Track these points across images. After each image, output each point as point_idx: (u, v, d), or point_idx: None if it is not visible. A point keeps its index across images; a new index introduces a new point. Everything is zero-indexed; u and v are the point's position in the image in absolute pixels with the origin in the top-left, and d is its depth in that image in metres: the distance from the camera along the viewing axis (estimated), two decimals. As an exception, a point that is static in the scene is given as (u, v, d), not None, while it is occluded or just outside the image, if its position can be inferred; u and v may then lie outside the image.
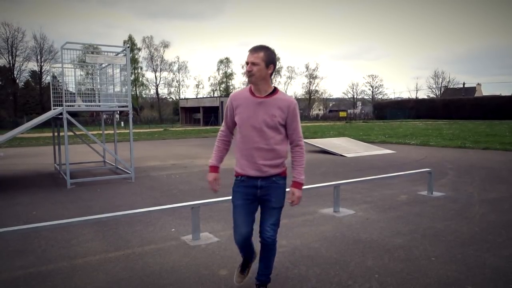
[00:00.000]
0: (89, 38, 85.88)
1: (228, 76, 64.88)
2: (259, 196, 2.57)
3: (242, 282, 2.78)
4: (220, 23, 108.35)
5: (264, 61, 2.36)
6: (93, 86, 9.52)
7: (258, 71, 2.36)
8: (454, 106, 42.94)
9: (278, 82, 65.44)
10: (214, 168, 2.72)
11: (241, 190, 2.63)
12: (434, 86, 70.19)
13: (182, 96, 61.21)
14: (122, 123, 29.22)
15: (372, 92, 73.70)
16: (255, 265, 2.85)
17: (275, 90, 2.46)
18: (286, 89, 66.61)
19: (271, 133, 2.42)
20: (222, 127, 2.68)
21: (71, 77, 8.63)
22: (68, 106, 7.21)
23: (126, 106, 7.86)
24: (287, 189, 2.54)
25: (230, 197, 2.86)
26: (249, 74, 2.38)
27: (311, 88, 67.52)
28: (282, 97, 2.44)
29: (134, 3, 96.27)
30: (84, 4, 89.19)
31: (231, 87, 63.83)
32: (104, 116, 11.03)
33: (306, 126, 30.66)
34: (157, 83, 60.54)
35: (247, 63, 2.41)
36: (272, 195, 2.53)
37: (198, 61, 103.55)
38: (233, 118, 2.53)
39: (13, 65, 47.84)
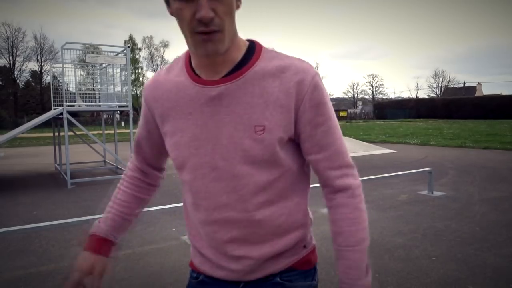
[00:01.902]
0: (88, 38, 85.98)
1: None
2: None
3: None
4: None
5: None
6: (93, 86, 9.52)
7: (227, 14, 0.81)
8: (454, 106, 42.92)
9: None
10: (96, 241, 1.13)
11: None
12: (435, 85, 70.26)
13: (182, 96, 61.02)
14: (123, 123, 29.22)
15: (373, 91, 73.71)
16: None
17: (253, 49, 0.91)
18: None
19: (261, 174, 0.90)
20: (130, 160, 1.21)
21: (71, 77, 8.64)
22: (69, 106, 7.22)
23: (127, 106, 7.86)
24: None
25: None
26: (206, 31, 0.79)
27: (311, 88, 67.39)
28: (277, 65, 0.89)
29: (133, 3, 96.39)
30: (83, 4, 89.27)
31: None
32: (105, 116, 11.03)
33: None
34: (157, 83, 60.50)
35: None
36: None
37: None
38: (156, 141, 1.05)
39: (14, 65, 47.89)
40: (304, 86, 0.87)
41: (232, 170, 0.90)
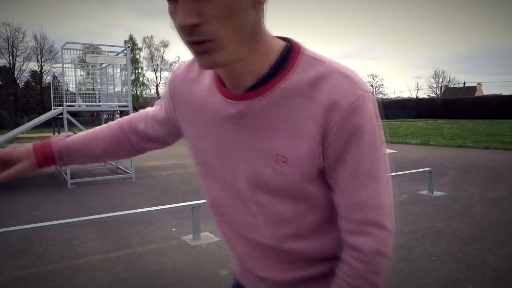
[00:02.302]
0: (88, 37, 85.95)
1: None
2: None
3: None
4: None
5: None
6: (93, 86, 9.53)
7: (219, 17, 0.59)
8: (454, 106, 42.92)
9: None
10: (46, 147, 0.99)
11: None
12: (435, 85, 70.21)
13: (182, 96, 61.09)
14: (123, 123, 29.22)
15: (373, 91, 73.30)
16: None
17: (287, 55, 0.70)
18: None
19: (285, 206, 0.76)
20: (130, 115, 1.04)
21: (71, 77, 8.66)
22: (69, 106, 7.22)
23: (127, 106, 7.86)
24: None
25: None
26: (192, 41, 0.62)
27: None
28: (312, 79, 0.68)
29: (133, 3, 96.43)
30: (83, 4, 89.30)
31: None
32: (105, 116, 11.03)
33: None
34: (158, 83, 60.61)
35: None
36: None
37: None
38: (172, 127, 0.92)
39: (14, 65, 47.91)
40: (335, 113, 0.65)
41: (252, 196, 0.77)
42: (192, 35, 0.60)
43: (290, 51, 0.70)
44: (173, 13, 0.62)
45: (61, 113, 6.99)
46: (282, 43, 0.71)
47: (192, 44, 0.61)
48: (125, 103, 8.00)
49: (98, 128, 1.01)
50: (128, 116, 1.02)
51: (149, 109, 1.00)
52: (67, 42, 7.18)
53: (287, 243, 0.78)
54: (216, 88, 0.75)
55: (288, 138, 0.69)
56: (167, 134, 0.96)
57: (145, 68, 59.79)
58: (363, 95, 0.66)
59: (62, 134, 1.08)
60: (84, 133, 1.00)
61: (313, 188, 0.74)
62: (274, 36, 0.72)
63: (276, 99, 0.69)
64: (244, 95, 0.70)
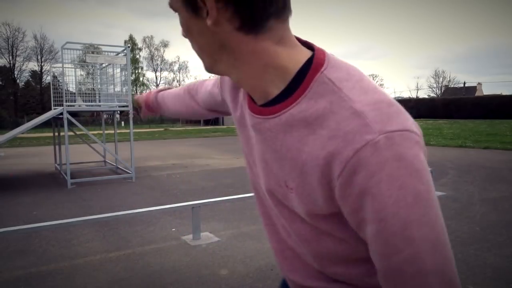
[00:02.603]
0: (88, 37, 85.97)
1: (228, 76, 64.82)
2: None
3: None
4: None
5: None
6: (93, 86, 9.53)
7: (190, 37, 0.67)
8: (454, 106, 42.92)
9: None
10: (148, 96, 1.32)
11: None
12: (435, 85, 70.23)
13: (182, 96, 61.19)
14: (123, 123, 29.23)
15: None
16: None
17: (305, 72, 0.61)
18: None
19: (301, 221, 0.70)
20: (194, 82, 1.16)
21: (71, 77, 8.65)
22: (69, 106, 7.22)
23: (127, 106, 7.86)
24: None
25: (231, 197, 2.75)
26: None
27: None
28: (320, 109, 0.59)
29: (133, 3, 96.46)
30: (83, 4, 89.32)
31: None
32: (105, 116, 11.03)
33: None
34: (158, 83, 60.65)
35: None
36: None
37: (199, 61, 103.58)
38: (215, 103, 1.01)
39: (14, 65, 47.91)
40: (337, 162, 0.55)
41: (274, 205, 0.74)
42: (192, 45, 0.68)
43: (309, 67, 0.61)
44: None
45: (61, 113, 6.99)
46: (302, 59, 0.63)
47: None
48: (125, 103, 8.00)
49: (177, 89, 1.21)
50: (193, 83, 1.14)
51: (207, 81, 1.05)
52: (67, 42, 7.18)
53: (325, 269, 0.73)
54: (246, 95, 0.72)
55: (292, 168, 0.63)
56: (218, 107, 1.01)
57: (145, 68, 59.81)
58: (375, 140, 0.52)
59: (160, 87, 1.53)
60: (168, 92, 1.26)
61: (326, 226, 0.65)
62: (300, 48, 0.64)
63: (281, 124, 0.63)
64: (259, 111, 0.67)
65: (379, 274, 0.59)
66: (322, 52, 0.64)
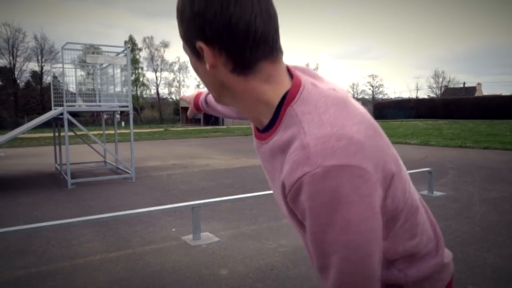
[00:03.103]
0: (88, 37, 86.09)
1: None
2: None
3: None
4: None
5: (181, 36, 0.73)
6: (93, 86, 9.53)
7: (198, 76, 0.78)
8: (454, 106, 42.93)
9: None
10: (197, 98, 1.43)
11: None
12: (435, 85, 70.27)
13: (182, 96, 61.20)
14: (123, 123, 29.24)
15: (373, 92, 73.73)
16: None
17: (280, 105, 0.72)
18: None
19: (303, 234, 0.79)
20: None
21: (71, 77, 8.64)
22: (69, 106, 7.22)
23: (127, 106, 7.87)
24: None
25: (231, 197, 2.75)
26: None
27: (311, 88, 67.33)
28: (286, 139, 0.70)
29: (132, 3, 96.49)
30: (83, 4, 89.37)
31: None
32: (105, 116, 11.03)
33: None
34: (158, 83, 60.68)
35: None
36: None
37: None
38: None
39: (14, 65, 47.97)
40: (287, 185, 0.66)
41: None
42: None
43: (283, 101, 0.71)
44: None
45: (62, 113, 6.99)
46: (282, 93, 0.71)
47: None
48: (125, 103, 8.00)
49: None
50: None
51: None
52: (67, 43, 7.18)
53: None
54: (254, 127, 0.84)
55: (278, 189, 0.73)
56: None
57: (145, 68, 59.84)
58: (312, 173, 0.61)
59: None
60: (206, 98, 1.36)
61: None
62: (285, 82, 0.72)
63: (269, 149, 0.75)
64: (259, 135, 0.78)
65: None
66: (298, 85, 0.71)
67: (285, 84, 0.72)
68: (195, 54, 0.70)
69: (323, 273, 0.67)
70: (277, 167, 0.73)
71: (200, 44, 0.67)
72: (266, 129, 0.74)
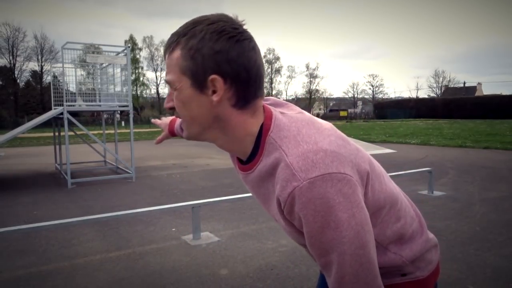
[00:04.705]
0: (87, 37, 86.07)
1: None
2: None
3: None
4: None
5: (182, 70, 0.76)
6: (93, 86, 9.53)
7: (180, 107, 0.80)
8: (454, 106, 42.92)
9: (278, 81, 65.15)
10: (171, 125, 1.47)
11: None
12: (435, 85, 70.18)
13: (182, 96, 61.11)
14: (123, 122, 29.23)
15: (373, 91, 73.64)
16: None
17: (260, 136, 0.81)
18: (287, 88, 66.45)
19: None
20: None
21: (71, 77, 8.64)
22: (69, 106, 7.22)
23: (127, 106, 7.87)
24: None
25: (231, 197, 2.76)
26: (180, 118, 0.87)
27: (311, 88, 67.51)
28: (272, 163, 0.79)
29: (131, 3, 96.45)
30: (82, 4, 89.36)
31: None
32: (105, 116, 11.03)
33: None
34: (158, 83, 60.62)
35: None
36: None
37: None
38: None
39: (14, 65, 47.91)
40: (281, 200, 0.75)
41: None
42: (174, 113, 0.83)
43: (261, 133, 0.81)
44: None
45: (62, 113, 6.99)
46: (259, 124, 0.81)
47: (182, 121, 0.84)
48: (125, 103, 8.00)
49: None
50: None
51: None
52: (68, 42, 7.18)
53: None
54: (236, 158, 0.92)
55: (273, 207, 0.82)
56: None
57: (145, 68, 59.90)
58: (300, 186, 0.71)
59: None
60: None
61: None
62: (261, 115, 0.82)
63: (256, 176, 0.84)
64: (243, 167, 0.87)
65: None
66: (270, 116, 0.82)
67: (261, 117, 0.82)
68: (198, 87, 0.76)
69: (327, 270, 0.76)
70: (269, 188, 0.81)
71: (214, 77, 0.74)
72: (250, 159, 0.84)
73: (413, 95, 68.99)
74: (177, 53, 0.76)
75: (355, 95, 75.31)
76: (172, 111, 0.83)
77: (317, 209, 0.70)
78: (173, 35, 0.78)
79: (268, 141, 0.79)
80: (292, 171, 0.72)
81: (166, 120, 1.49)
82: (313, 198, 0.70)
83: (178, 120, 1.41)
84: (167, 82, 0.80)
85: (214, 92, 0.75)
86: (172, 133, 1.45)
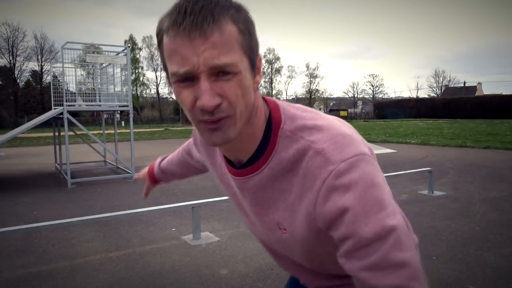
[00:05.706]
0: (87, 37, 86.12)
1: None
2: None
3: None
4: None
5: (244, 49, 0.65)
6: (93, 85, 9.53)
7: (238, 96, 0.65)
8: (454, 105, 42.92)
9: (278, 81, 65.04)
10: (151, 173, 1.43)
11: None
12: (435, 85, 70.18)
13: (182, 96, 61.07)
14: (123, 122, 29.24)
15: (373, 91, 73.64)
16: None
17: (269, 129, 0.74)
18: (287, 88, 66.41)
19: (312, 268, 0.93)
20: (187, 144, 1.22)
21: (71, 77, 8.64)
22: (69, 105, 7.21)
23: (127, 106, 7.86)
24: None
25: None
26: (212, 120, 0.65)
27: (311, 87, 67.50)
28: (294, 154, 0.72)
29: (130, 3, 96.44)
30: (81, 4, 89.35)
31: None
32: (105, 116, 11.03)
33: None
34: (158, 83, 60.62)
35: (181, 79, 0.64)
36: None
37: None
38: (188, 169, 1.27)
39: (14, 65, 47.91)
40: (311, 196, 0.69)
41: (276, 250, 0.92)
42: (214, 114, 0.64)
43: (271, 126, 0.74)
44: (180, 93, 0.65)
45: (61, 113, 6.98)
46: (264, 118, 0.74)
47: (208, 122, 0.65)
48: (125, 103, 7.99)
49: (176, 153, 1.29)
50: (187, 143, 1.20)
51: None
52: (67, 42, 7.17)
53: (318, 268, 0.88)
54: (223, 159, 0.84)
55: (284, 209, 0.75)
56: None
57: (145, 68, 59.93)
58: (337, 168, 0.66)
59: (159, 159, 1.48)
60: (170, 157, 1.32)
61: (320, 259, 0.82)
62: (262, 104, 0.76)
63: (266, 175, 0.75)
64: (240, 172, 0.78)
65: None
66: (275, 107, 0.75)
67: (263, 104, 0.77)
68: (253, 67, 0.69)
69: (396, 266, 0.69)
70: (282, 187, 0.74)
71: (260, 56, 0.71)
72: (251, 161, 0.76)
73: (413, 95, 69.04)
74: (230, 27, 0.62)
75: (355, 95, 75.32)
76: (210, 113, 0.64)
77: (360, 190, 0.65)
78: (204, 7, 0.61)
79: (283, 134, 0.72)
80: (325, 156, 0.67)
81: (144, 171, 1.44)
82: (354, 179, 0.65)
83: (156, 164, 1.37)
84: (221, 66, 0.61)
85: (256, 68, 0.70)
86: (153, 180, 1.39)
